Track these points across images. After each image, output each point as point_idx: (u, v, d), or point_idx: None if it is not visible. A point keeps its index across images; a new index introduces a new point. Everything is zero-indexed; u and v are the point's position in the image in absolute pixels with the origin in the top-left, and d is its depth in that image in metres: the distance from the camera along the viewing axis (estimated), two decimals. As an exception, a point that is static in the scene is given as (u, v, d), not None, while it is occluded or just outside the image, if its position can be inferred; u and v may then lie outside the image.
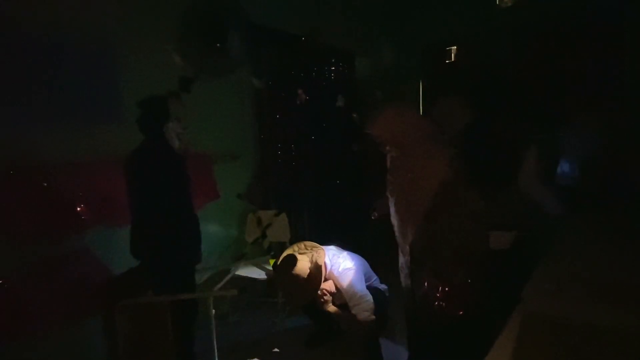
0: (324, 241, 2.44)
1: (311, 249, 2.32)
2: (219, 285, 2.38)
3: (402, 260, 1.87)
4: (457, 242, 1.46)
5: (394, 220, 1.82)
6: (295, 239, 3.10)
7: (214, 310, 1.89)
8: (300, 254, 2.28)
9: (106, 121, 2.19)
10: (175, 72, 2.27)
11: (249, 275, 2.76)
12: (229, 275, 2.51)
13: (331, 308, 2.24)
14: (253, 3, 2.75)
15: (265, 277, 2.72)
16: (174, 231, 1.88)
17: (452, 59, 4.43)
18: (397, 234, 1.82)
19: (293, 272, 2.14)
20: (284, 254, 2.31)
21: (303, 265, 2.18)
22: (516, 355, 0.85)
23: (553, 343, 0.90)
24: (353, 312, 2.07)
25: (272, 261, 2.68)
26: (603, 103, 3.41)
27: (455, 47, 4.37)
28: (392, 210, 1.82)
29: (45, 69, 1.96)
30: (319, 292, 2.17)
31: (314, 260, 2.21)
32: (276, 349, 2.48)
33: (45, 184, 1.95)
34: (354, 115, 3.52)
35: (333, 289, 2.20)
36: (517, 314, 1.03)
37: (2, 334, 1.75)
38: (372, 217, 2.09)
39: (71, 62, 2.04)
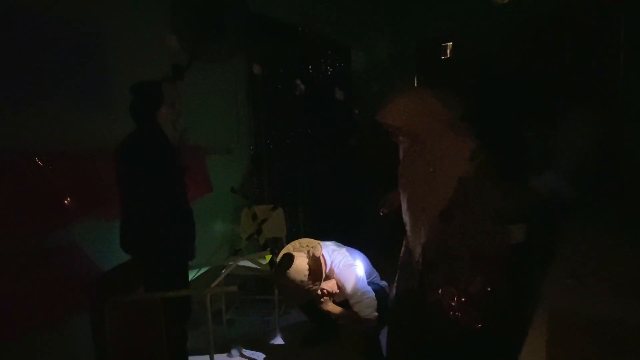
0: (322, 236, 2.37)
1: (307, 246, 2.24)
2: (216, 282, 2.28)
3: (406, 259, 1.75)
4: (477, 245, 1.33)
5: (406, 217, 1.66)
6: (291, 235, 3.02)
7: (209, 308, 1.80)
8: (297, 251, 2.20)
9: (94, 109, 2.07)
10: (169, 58, 2.15)
11: (244, 272, 2.67)
12: (225, 272, 2.42)
13: (331, 306, 2.17)
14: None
15: (261, 274, 2.63)
16: (167, 225, 1.78)
17: (448, 55, 4.41)
18: (408, 232, 1.66)
19: (291, 271, 2.06)
20: (281, 253, 2.23)
21: (301, 263, 2.11)
22: (550, 357, 0.79)
23: (585, 342, 0.84)
24: (355, 309, 2.01)
25: (268, 257, 2.59)
26: (598, 99, 3.43)
27: (450, 43, 4.35)
28: (404, 206, 1.67)
29: (27, 51, 1.83)
30: (318, 291, 2.09)
31: (311, 257, 2.13)
32: (275, 342, 2.41)
33: (29, 174, 1.82)
34: (355, 111, 3.46)
35: (335, 289, 2.13)
36: (541, 312, 0.97)
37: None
38: (381, 213, 1.94)
39: (55, 43, 1.91)
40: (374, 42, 4.40)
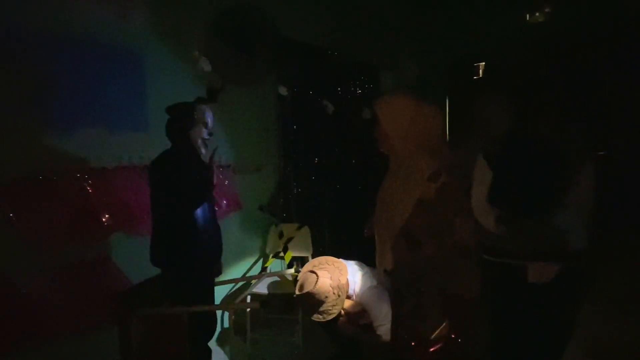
0: (347, 256, 2.36)
1: (332, 265, 2.24)
2: (240, 299, 2.32)
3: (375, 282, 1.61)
4: (445, 281, 1.17)
5: (376, 240, 1.52)
6: (317, 254, 3.02)
7: (233, 325, 1.82)
8: (320, 270, 2.20)
9: (133, 129, 2.21)
10: (203, 81, 2.28)
11: (269, 291, 2.69)
12: (249, 289, 2.45)
13: (353, 328, 2.14)
14: (282, 16, 2.78)
15: (286, 293, 2.64)
16: (195, 241, 1.85)
17: (480, 75, 4.35)
18: (377, 258, 1.51)
19: (313, 289, 2.06)
20: (303, 270, 2.23)
21: (324, 283, 2.10)
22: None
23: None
24: (378, 332, 1.96)
25: (294, 275, 2.60)
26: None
27: (483, 62, 4.30)
28: (375, 229, 1.54)
29: (74, 75, 2.00)
30: (341, 311, 2.07)
31: (335, 277, 2.12)
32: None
33: (71, 191, 1.96)
34: None
35: (356, 309, 2.10)
36: (581, 341, 0.91)
37: (20, 339, 1.74)
38: (365, 235, 1.80)
39: (98, 68, 2.08)
40: (403, 63, 4.44)
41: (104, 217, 2.05)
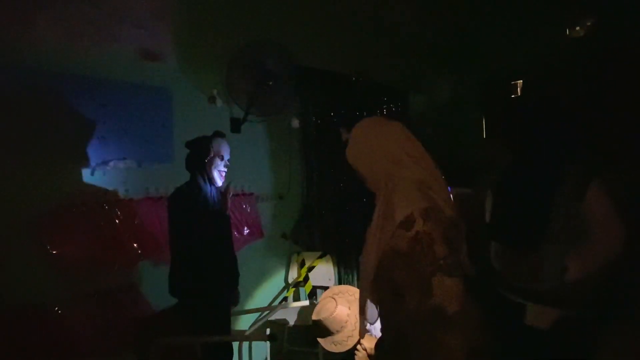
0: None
1: (353, 295, 2.20)
2: (252, 330, 2.33)
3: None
4: (427, 354, 0.98)
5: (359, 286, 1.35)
6: (340, 284, 2.99)
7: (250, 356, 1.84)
8: (340, 298, 2.17)
9: (159, 161, 2.37)
10: (224, 116, 2.41)
11: (289, 322, 2.69)
12: (263, 319, 2.46)
13: (373, 364, 2.07)
14: (301, 45, 2.89)
15: (306, 324, 2.62)
16: (209, 271, 1.91)
17: (519, 94, 4.21)
18: (359, 306, 1.32)
19: (329, 317, 2.03)
20: (323, 295, 2.21)
21: (341, 312, 2.06)
22: None
23: None
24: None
25: (310, 305, 2.59)
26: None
27: (520, 81, 4.16)
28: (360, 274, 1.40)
29: (106, 112, 2.19)
30: (358, 346, 2.02)
31: (354, 307, 2.08)
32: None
33: (100, 220, 2.12)
34: None
35: (374, 346, 2.03)
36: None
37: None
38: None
39: (128, 105, 2.27)
40: (433, 84, 4.39)
41: (130, 246, 2.19)
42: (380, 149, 1.14)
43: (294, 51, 2.62)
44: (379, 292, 1.14)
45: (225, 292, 2.03)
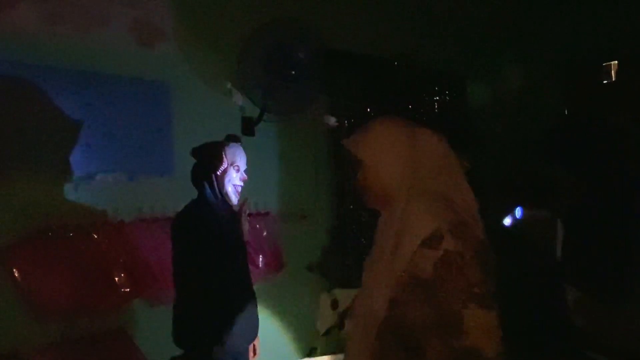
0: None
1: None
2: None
3: None
4: None
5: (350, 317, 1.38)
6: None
7: None
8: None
9: (155, 173, 2.46)
10: (236, 116, 2.48)
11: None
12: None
13: None
14: (330, 24, 2.96)
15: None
16: (226, 315, 1.95)
17: (613, 79, 4.18)
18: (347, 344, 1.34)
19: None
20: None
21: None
22: None
23: None
24: None
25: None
26: None
27: (615, 62, 4.13)
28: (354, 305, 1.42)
29: (89, 112, 2.30)
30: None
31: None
32: None
33: (82, 248, 2.21)
34: (466, 164, 3.44)
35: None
36: None
37: None
38: None
39: (116, 102, 2.37)
40: (501, 68, 4.39)
41: (120, 281, 2.27)
42: (407, 153, 1.19)
43: (321, 31, 2.69)
44: (384, 349, 1.11)
45: (244, 342, 2.07)
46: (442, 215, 1.08)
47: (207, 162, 2.06)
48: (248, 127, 2.77)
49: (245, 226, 2.10)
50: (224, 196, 2.07)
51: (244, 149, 2.17)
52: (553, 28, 4.27)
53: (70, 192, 2.25)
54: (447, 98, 4.03)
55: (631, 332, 1.27)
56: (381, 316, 1.10)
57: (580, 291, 1.44)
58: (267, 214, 2.91)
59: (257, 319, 2.14)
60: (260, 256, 2.80)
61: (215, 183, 2.05)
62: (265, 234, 2.87)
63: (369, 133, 1.26)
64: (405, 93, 3.64)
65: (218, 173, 2.05)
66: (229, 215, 2.08)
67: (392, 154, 1.20)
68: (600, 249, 1.38)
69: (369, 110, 3.42)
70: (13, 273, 2.04)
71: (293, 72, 2.61)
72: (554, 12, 4.24)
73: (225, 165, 2.06)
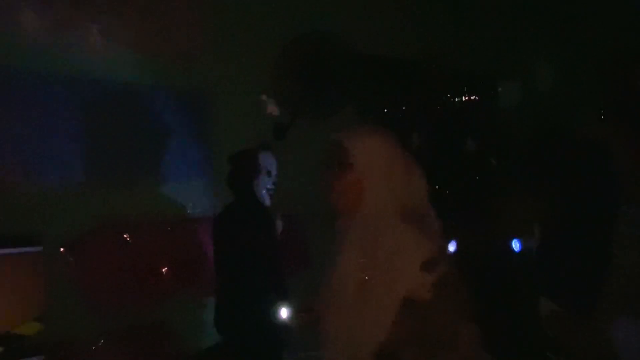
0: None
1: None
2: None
3: None
4: None
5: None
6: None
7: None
8: None
9: (195, 177, 2.73)
10: (268, 125, 2.71)
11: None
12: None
13: None
14: (358, 30, 3.15)
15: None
16: (264, 306, 2.19)
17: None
18: None
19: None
20: None
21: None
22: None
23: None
24: None
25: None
26: None
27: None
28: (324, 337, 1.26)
29: (134, 122, 2.56)
30: None
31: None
32: None
33: (122, 247, 2.47)
34: (492, 162, 3.55)
35: None
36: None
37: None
38: None
39: (159, 112, 2.64)
40: (532, 67, 4.43)
41: (163, 276, 2.55)
42: (403, 170, 1.24)
43: (351, 42, 2.89)
44: None
45: (279, 332, 2.31)
46: (437, 240, 1.17)
47: (243, 169, 2.34)
48: (280, 131, 3.01)
49: (279, 226, 2.36)
50: (258, 199, 2.34)
51: (276, 153, 2.43)
52: (589, 25, 4.27)
53: (117, 195, 2.50)
54: (478, 99, 4.14)
55: (603, 344, 1.36)
56: (374, 341, 1.11)
57: (555, 303, 1.56)
58: (295, 215, 3.13)
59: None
60: (289, 256, 3.02)
61: (250, 188, 2.32)
62: (294, 234, 3.08)
63: (369, 139, 1.28)
64: (431, 96, 3.77)
65: (253, 179, 2.33)
66: (264, 217, 2.34)
67: (390, 169, 1.23)
68: (574, 262, 1.51)
69: (401, 111, 3.59)
70: (79, 267, 2.31)
71: (324, 81, 2.82)
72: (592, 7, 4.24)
73: (259, 171, 2.34)
